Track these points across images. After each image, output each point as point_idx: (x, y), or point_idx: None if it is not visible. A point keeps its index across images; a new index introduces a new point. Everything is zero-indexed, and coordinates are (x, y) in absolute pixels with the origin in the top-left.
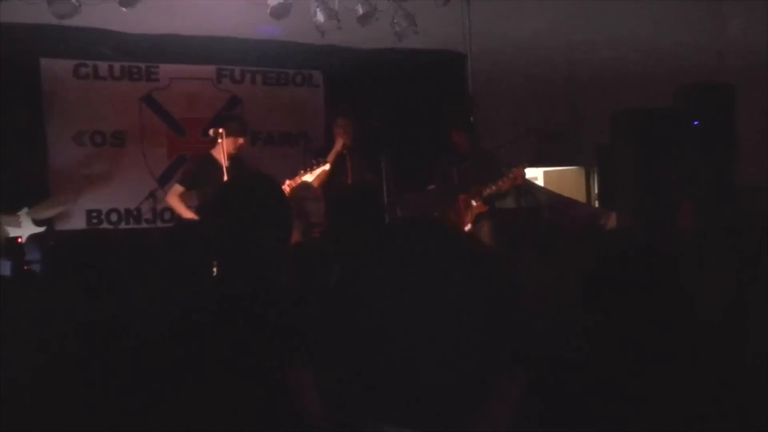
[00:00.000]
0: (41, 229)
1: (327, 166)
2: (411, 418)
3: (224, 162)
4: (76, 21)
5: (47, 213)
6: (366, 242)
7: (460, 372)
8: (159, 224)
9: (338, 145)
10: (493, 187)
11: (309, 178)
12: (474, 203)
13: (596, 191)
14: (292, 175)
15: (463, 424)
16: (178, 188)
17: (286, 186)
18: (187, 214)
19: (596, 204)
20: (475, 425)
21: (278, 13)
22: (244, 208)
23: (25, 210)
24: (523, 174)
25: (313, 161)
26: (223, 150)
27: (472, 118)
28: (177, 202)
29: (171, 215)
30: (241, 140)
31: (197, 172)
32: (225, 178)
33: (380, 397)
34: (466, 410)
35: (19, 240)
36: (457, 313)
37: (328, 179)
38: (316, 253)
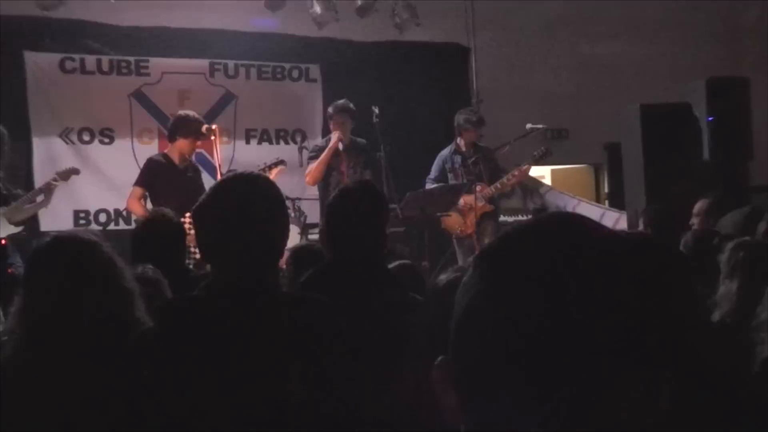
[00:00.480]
0: (19, 230)
1: (283, 166)
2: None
3: (218, 161)
4: (61, 13)
5: (24, 213)
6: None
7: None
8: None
9: (334, 140)
10: (498, 186)
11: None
12: (480, 203)
13: (606, 190)
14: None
15: None
16: (137, 190)
17: None
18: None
19: (606, 203)
20: None
21: (274, 4)
22: (240, 209)
23: (2, 209)
24: (528, 172)
25: (275, 159)
26: (216, 148)
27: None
28: (137, 205)
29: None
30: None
31: (155, 171)
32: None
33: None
34: None
35: (3, 242)
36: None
37: (323, 177)
38: (313, 254)
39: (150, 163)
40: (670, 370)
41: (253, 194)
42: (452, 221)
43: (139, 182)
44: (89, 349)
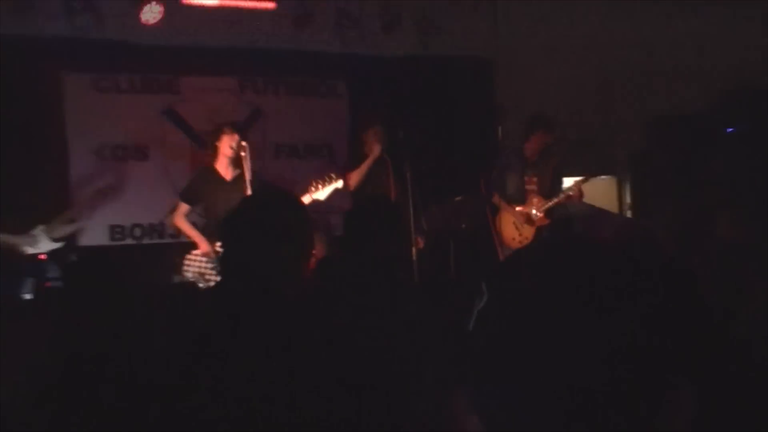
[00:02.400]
0: (59, 245)
1: (340, 183)
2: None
3: (247, 174)
4: (96, 34)
5: (64, 230)
6: (514, 268)
7: (629, 385)
8: (182, 239)
9: (376, 151)
10: (555, 200)
11: (321, 195)
12: (538, 215)
13: (629, 201)
14: (313, 181)
15: None
16: (183, 206)
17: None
18: (196, 236)
19: (629, 214)
20: None
21: (301, 22)
22: (264, 224)
23: (40, 227)
24: (581, 192)
25: (328, 176)
26: (246, 164)
27: (500, 127)
28: (182, 222)
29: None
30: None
31: (197, 185)
32: (230, 191)
33: (546, 416)
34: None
35: (41, 257)
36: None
37: (364, 186)
38: (339, 266)
39: (193, 177)
40: (675, 375)
41: (271, 208)
42: (508, 231)
43: (183, 196)
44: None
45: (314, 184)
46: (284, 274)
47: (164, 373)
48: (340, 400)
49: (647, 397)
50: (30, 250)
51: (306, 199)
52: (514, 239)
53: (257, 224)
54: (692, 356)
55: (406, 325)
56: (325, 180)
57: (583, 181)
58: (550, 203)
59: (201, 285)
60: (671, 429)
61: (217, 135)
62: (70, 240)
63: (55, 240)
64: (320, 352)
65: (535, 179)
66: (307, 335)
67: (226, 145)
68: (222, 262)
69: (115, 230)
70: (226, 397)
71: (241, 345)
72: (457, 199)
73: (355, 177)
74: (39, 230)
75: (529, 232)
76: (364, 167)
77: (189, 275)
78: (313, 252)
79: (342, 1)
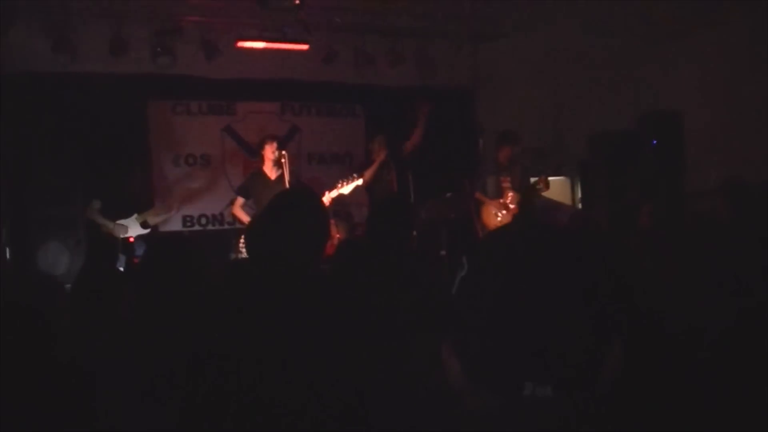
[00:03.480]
0: (146, 231)
1: (360, 181)
2: (548, 377)
3: (286, 176)
4: (173, 70)
5: (152, 220)
6: (489, 244)
7: (587, 338)
8: (238, 225)
9: (382, 156)
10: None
11: (345, 190)
12: (512, 206)
13: (579, 196)
14: (340, 180)
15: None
16: (239, 200)
17: (329, 195)
18: (246, 220)
19: (579, 206)
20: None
21: (328, 59)
22: (288, 213)
23: (134, 216)
24: (548, 182)
25: (351, 176)
26: (286, 168)
27: (480, 141)
28: (239, 211)
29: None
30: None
31: (249, 183)
32: (274, 187)
33: (522, 363)
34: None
35: (131, 239)
36: (576, 296)
37: (374, 183)
38: (358, 247)
39: (247, 178)
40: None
41: (297, 201)
42: (490, 219)
43: (238, 192)
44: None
45: (340, 182)
46: (305, 252)
47: (209, 332)
48: (352, 353)
49: (590, 343)
50: (122, 234)
51: (334, 193)
52: (496, 225)
53: (284, 213)
54: (618, 315)
55: (408, 290)
56: (349, 179)
57: (544, 179)
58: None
59: None
60: (605, 377)
61: (262, 145)
62: (153, 227)
63: (143, 227)
64: (336, 315)
65: (508, 178)
66: (326, 302)
67: (269, 152)
68: (253, 243)
69: (186, 219)
70: (255, 357)
71: (269, 310)
72: (448, 195)
73: (368, 175)
74: (132, 219)
75: (507, 218)
76: (374, 168)
77: (242, 253)
78: (336, 236)
79: (360, 43)
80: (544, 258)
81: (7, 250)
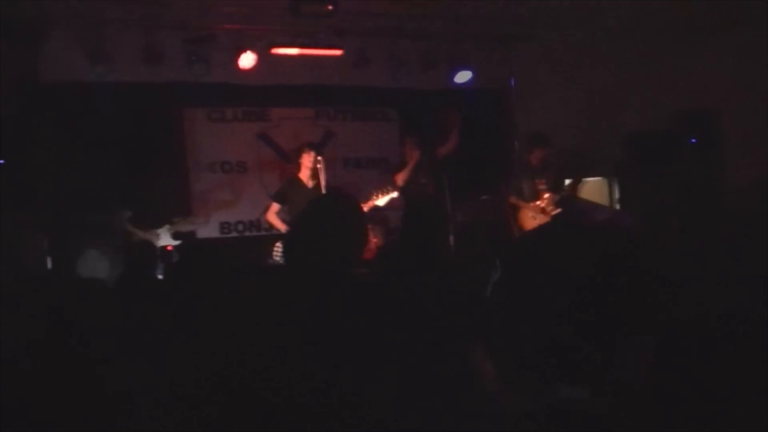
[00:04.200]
0: (178, 242)
1: (395, 193)
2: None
3: (323, 182)
4: (209, 78)
5: (184, 229)
6: (522, 247)
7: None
8: (273, 231)
9: (415, 156)
10: (562, 193)
11: (380, 202)
12: (549, 208)
13: (617, 197)
14: (374, 191)
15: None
16: (274, 206)
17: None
18: (281, 226)
19: (617, 207)
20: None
21: (361, 63)
22: (328, 218)
23: (166, 226)
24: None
25: (386, 188)
26: (321, 174)
27: (516, 143)
28: (273, 218)
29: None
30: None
31: (285, 190)
32: (310, 195)
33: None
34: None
35: (169, 248)
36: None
37: (408, 185)
38: (394, 254)
39: (282, 184)
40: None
41: (336, 207)
42: (528, 222)
43: (274, 198)
44: None
45: (375, 193)
46: (343, 257)
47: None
48: (390, 357)
49: (624, 345)
50: (158, 243)
51: (368, 205)
52: (532, 228)
53: (322, 218)
54: (653, 317)
55: (445, 295)
56: (384, 191)
57: (578, 179)
58: (557, 197)
59: None
60: (631, 375)
61: (299, 153)
62: (190, 235)
63: (174, 237)
64: (374, 320)
65: (543, 180)
66: (365, 306)
67: (306, 159)
68: (291, 248)
69: (223, 226)
70: (292, 363)
71: (307, 316)
72: (484, 198)
73: (401, 178)
74: (164, 229)
75: (543, 221)
76: (407, 170)
77: (278, 258)
78: (373, 240)
79: (392, 47)
80: (579, 261)
81: (48, 258)
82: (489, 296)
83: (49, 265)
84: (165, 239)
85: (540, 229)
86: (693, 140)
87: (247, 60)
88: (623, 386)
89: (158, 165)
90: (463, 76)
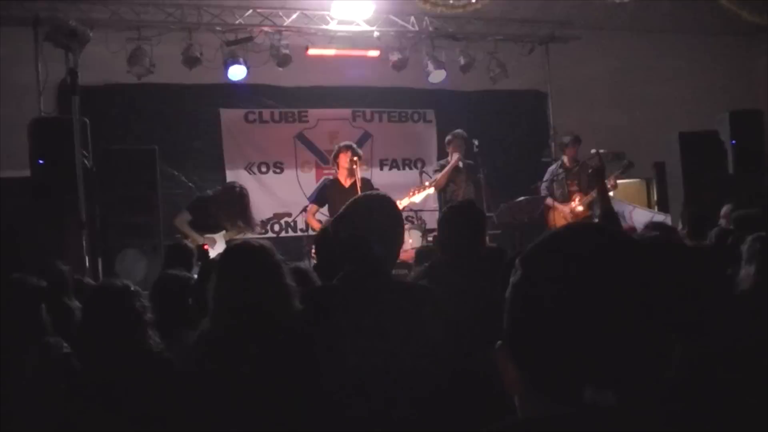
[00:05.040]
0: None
1: (431, 190)
2: (609, 381)
3: (358, 182)
4: (245, 79)
5: (238, 236)
6: (544, 248)
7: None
8: (311, 232)
9: (455, 160)
10: (593, 195)
11: (416, 199)
12: (580, 208)
13: (655, 198)
14: (411, 188)
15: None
16: (313, 207)
17: (400, 204)
18: (318, 227)
19: (655, 208)
20: None
21: (399, 65)
22: (364, 219)
23: (222, 232)
24: (617, 182)
25: (422, 185)
26: (358, 174)
27: (552, 144)
28: (312, 219)
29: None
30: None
31: (324, 191)
32: (348, 195)
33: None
34: None
35: (206, 247)
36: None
37: (447, 187)
38: (430, 253)
39: (321, 186)
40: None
41: (375, 209)
42: (561, 223)
43: (312, 200)
44: (261, 328)
45: (412, 190)
46: (385, 259)
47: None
48: (432, 357)
49: (652, 348)
50: (214, 248)
51: (405, 201)
52: None
53: (360, 219)
54: (684, 320)
55: (480, 296)
56: (420, 187)
57: (613, 180)
58: (589, 198)
59: None
60: (664, 381)
61: (337, 154)
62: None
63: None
64: (419, 317)
65: (576, 182)
66: (409, 305)
67: (344, 160)
68: (337, 248)
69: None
70: (347, 356)
71: (358, 312)
72: (520, 199)
73: (441, 180)
74: (220, 235)
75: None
76: (446, 172)
77: (315, 260)
78: (409, 240)
79: (430, 48)
80: (603, 265)
81: (86, 258)
82: (507, 297)
83: (87, 264)
84: (221, 245)
85: (560, 231)
86: (733, 141)
87: (239, 71)
88: (652, 389)
89: (197, 166)
90: (437, 75)
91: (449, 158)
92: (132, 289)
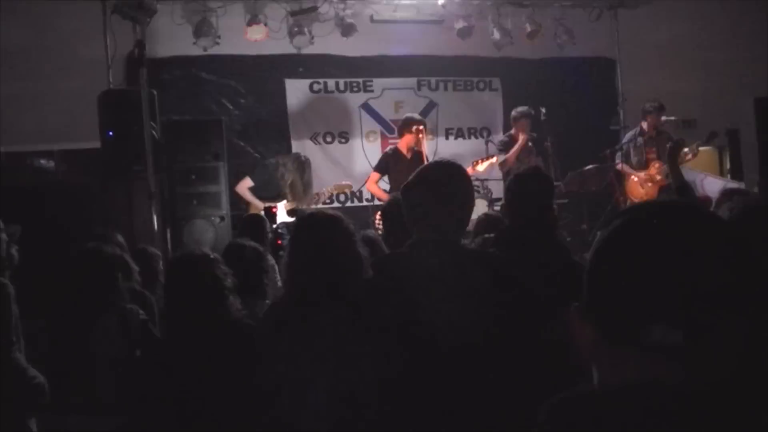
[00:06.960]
0: (290, 220)
1: (494, 159)
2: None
3: (425, 152)
4: (310, 50)
5: (299, 207)
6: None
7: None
8: (376, 202)
9: (522, 141)
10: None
11: (480, 168)
12: (659, 177)
13: (727, 167)
14: (475, 158)
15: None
16: (374, 175)
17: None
18: (383, 195)
19: (728, 176)
20: None
21: (463, 33)
22: (433, 187)
23: (284, 201)
24: (697, 151)
25: (487, 155)
26: (423, 144)
27: (621, 111)
28: (375, 187)
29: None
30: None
31: (387, 160)
32: (412, 165)
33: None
34: None
35: (274, 210)
36: None
37: (515, 167)
38: (496, 221)
39: (385, 154)
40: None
41: (446, 176)
42: (635, 191)
43: (375, 168)
44: (334, 296)
45: (476, 160)
46: (456, 227)
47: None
48: (504, 315)
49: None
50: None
51: (469, 170)
52: (641, 198)
53: (427, 188)
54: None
55: (548, 265)
56: (485, 158)
57: (694, 148)
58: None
59: None
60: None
61: (406, 124)
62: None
63: (290, 215)
64: (489, 284)
65: (654, 149)
66: (480, 272)
67: (410, 129)
68: (406, 216)
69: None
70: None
71: (434, 280)
72: (588, 167)
73: (510, 158)
74: (281, 204)
75: (653, 190)
76: (514, 153)
77: (380, 229)
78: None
79: (495, 15)
80: (681, 240)
81: (155, 228)
82: (588, 262)
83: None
84: (281, 214)
85: (643, 205)
86: None
87: (258, 32)
88: (723, 329)
89: (263, 137)
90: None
91: (512, 132)
92: (212, 256)
